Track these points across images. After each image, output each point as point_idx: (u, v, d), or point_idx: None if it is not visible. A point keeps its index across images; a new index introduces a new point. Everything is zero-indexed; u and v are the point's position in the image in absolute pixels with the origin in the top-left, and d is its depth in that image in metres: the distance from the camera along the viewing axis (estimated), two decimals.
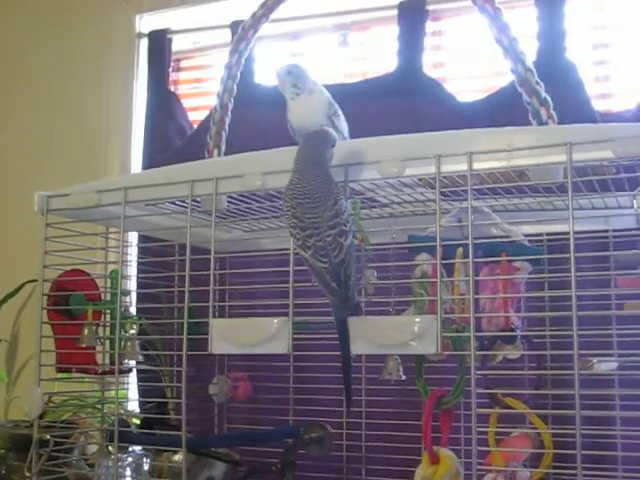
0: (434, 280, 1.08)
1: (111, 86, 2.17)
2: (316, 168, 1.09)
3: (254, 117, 1.86)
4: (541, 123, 1.19)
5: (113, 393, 1.65)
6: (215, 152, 1.48)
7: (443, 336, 1.03)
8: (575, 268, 0.96)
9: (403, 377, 1.39)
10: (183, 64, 2.21)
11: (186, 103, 2.11)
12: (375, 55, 1.97)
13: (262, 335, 1.14)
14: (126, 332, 1.36)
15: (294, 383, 1.66)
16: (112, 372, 1.34)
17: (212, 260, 1.20)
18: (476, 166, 1.02)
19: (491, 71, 1.81)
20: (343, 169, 1.13)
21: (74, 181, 1.39)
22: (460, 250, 1.09)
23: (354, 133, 1.37)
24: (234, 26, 1.95)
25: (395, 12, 1.84)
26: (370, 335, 1.06)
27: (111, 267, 1.39)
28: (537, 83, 1.21)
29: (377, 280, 1.32)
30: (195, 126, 2.05)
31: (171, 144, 2.03)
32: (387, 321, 1.09)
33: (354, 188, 1.24)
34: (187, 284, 1.21)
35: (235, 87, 1.53)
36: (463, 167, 1.03)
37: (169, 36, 2.11)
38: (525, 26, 1.68)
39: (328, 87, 1.89)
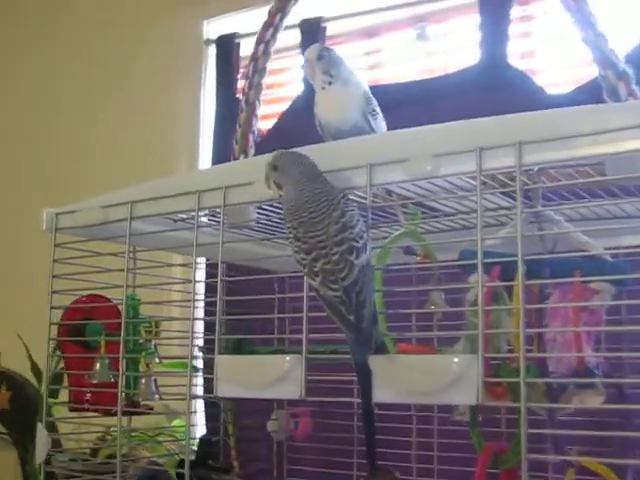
0: (487, 308, 0.85)
1: (178, 94, 2.07)
2: (315, 178, 0.90)
3: None
4: (618, 101, 0.93)
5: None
6: (241, 158, 1.29)
7: (494, 381, 0.80)
8: None
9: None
10: None
11: None
12: (456, 47, 1.76)
13: (272, 376, 0.92)
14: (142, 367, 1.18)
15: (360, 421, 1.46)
16: (133, 413, 1.17)
17: (219, 283, 0.99)
18: (527, 159, 0.78)
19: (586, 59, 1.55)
20: (366, 170, 0.91)
21: None
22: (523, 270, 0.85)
23: None
24: (304, 25, 1.84)
25: None
26: (395, 379, 0.84)
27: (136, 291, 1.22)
28: (612, 51, 0.95)
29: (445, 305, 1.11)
30: None
31: None
32: (417, 361, 0.86)
33: (400, 194, 1.03)
34: (192, 309, 1.03)
35: (263, 83, 1.33)
36: (511, 161, 0.79)
37: (237, 40, 1.98)
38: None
39: (406, 84, 1.73)
